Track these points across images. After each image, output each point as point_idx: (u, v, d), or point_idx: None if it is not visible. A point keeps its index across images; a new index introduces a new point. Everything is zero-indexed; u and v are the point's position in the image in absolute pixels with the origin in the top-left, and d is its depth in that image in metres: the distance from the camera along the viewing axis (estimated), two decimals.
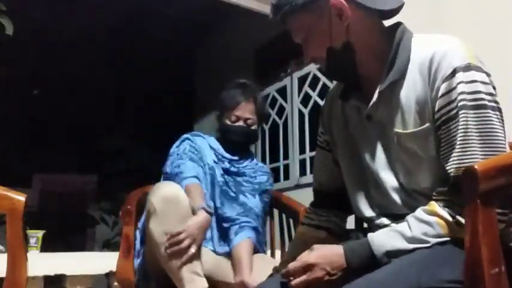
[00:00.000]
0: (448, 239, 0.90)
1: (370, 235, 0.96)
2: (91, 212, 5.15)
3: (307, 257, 0.97)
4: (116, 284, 2.07)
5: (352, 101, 1.10)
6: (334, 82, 1.29)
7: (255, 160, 2.01)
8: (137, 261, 1.75)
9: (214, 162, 1.88)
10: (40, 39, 4.54)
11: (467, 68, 0.92)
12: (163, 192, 1.57)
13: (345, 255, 0.95)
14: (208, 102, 4.84)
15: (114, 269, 1.79)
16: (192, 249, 1.52)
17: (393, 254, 0.91)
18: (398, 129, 1.00)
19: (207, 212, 1.61)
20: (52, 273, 2.29)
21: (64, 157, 5.17)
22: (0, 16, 2.65)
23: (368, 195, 1.09)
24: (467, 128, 0.90)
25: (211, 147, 1.92)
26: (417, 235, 0.91)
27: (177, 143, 1.91)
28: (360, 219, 1.18)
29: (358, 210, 1.12)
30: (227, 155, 1.92)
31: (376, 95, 1.03)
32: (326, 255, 0.96)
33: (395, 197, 1.03)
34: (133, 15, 4.36)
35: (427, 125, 0.96)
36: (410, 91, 0.98)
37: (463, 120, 0.91)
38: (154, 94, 5.60)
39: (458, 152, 0.91)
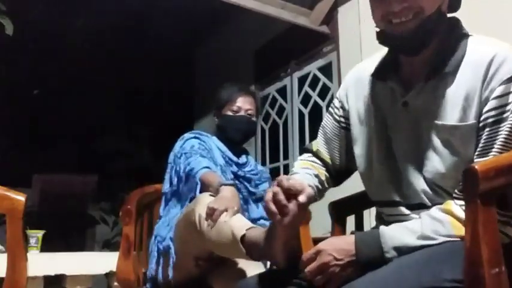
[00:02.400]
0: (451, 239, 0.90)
1: (382, 228, 0.97)
2: (91, 212, 5.14)
3: (319, 244, 0.99)
4: (116, 284, 2.07)
5: (389, 84, 1.07)
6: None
7: (252, 160, 2.02)
8: (152, 269, 1.72)
9: (223, 165, 1.87)
10: (40, 39, 4.53)
11: None
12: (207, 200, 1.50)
13: (355, 243, 0.95)
14: (209, 102, 4.84)
15: (114, 269, 1.79)
16: (233, 209, 1.42)
17: (401, 249, 0.92)
18: (438, 121, 0.99)
19: (227, 185, 1.57)
20: (52, 273, 2.29)
21: (64, 157, 5.17)
22: (0, 16, 2.65)
23: (390, 180, 1.08)
24: (511, 135, 0.91)
25: (218, 149, 1.92)
26: (427, 233, 0.91)
27: (181, 142, 1.88)
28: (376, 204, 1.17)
29: (377, 194, 1.12)
30: (234, 158, 1.92)
31: (420, 84, 1.02)
32: (335, 242, 0.98)
33: (418, 187, 1.02)
34: (133, 15, 4.35)
35: (472, 122, 0.96)
36: (460, 87, 0.98)
37: (510, 126, 0.91)
38: (154, 94, 5.60)
39: (497, 152, 0.91)
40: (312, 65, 3.40)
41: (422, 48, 1.01)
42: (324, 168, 1.23)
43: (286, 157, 3.60)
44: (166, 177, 1.88)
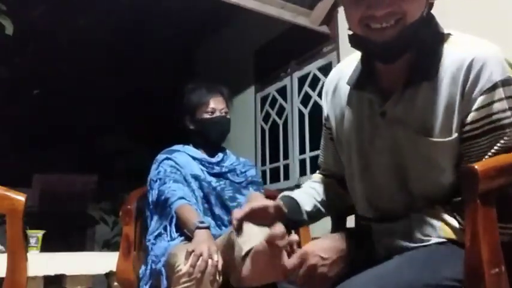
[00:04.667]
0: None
1: (373, 226, 0.96)
2: (91, 212, 5.14)
3: (302, 248, 0.94)
4: (116, 284, 2.07)
5: (366, 94, 1.01)
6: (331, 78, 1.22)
7: (231, 154, 2.03)
8: (143, 268, 1.74)
9: (202, 171, 1.88)
10: (40, 39, 4.53)
11: (507, 81, 0.88)
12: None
13: (346, 239, 0.94)
14: None
15: (114, 269, 1.79)
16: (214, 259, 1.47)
17: (392, 249, 0.91)
18: (419, 134, 0.93)
19: (201, 228, 1.59)
20: (52, 273, 2.29)
21: (64, 157, 5.17)
22: (0, 16, 2.65)
23: (369, 193, 1.05)
24: (501, 145, 0.88)
25: (194, 158, 1.90)
26: (418, 235, 0.90)
27: (155, 166, 1.89)
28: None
29: (360, 209, 1.10)
30: (213, 160, 1.92)
31: (397, 93, 0.95)
32: (319, 243, 0.94)
33: (398, 199, 0.99)
34: (133, 15, 4.35)
35: (455, 136, 0.91)
36: (439, 95, 0.91)
37: (498, 137, 0.88)
38: (154, 94, 5.59)
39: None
40: (312, 65, 3.40)
41: (400, 56, 0.94)
42: (331, 179, 1.22)
43: (286, 157, 3.59)
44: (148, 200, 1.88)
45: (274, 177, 3.71)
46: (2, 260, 0.97)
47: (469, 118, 0.89)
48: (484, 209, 0.78)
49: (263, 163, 3.82)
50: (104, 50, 4.93)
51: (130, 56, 5.05)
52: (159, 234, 1.77)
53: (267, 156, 3.81)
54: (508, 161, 0.85)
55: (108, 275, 2.53)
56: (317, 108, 3.32)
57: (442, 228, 0.90)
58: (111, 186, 4.92)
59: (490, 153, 0.88)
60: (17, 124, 5.10)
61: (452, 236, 0.89)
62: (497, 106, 0.88)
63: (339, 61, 3.09)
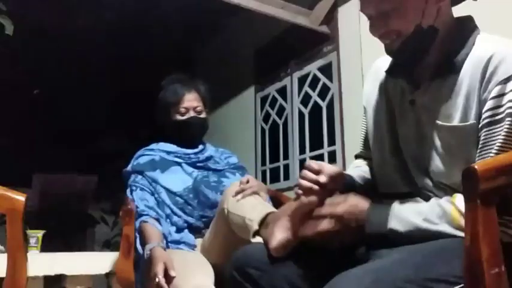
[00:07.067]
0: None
1: (396, 203, 1.00)
2: (91, 212, 5.14)
3: (351, 197, 1.04)
4: (116, 284, 2.07)
5: (400, 80, 1.10)
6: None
7: (211, 147, 2.00)
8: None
9: (178, 163, 1.88)
10: (40, 39, 4.53)
11: None
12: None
13: (366, 215, 0.99)
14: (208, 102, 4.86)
15: (114, 269, 1.79)
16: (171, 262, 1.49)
17: (408, 229, 0.95)
18: (440, 122, 1.01)
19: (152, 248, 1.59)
20: (52, 273, 2.29)
21: (64, 157, 5.17)
22: (0, 16, 2.65)
23: (400, 172, 1.10)
24: (509, 136, 0.91)
25: (168, 152, 1.90)
26: (432, 218, 0.94)
27: (132, 161, 1.96)
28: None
29: (388, 186, 1.14)
30: (189, 151, 1.90)
31: (426, 83, 1.04)
32: (350, 197, 1.03)
33: (424, 184, 1.04)
34: (133, 15, 4.35)
35: (471, 122, 0.97)
36: (462, 86, 0.99)
37: (508, 128, 0.91)
38: (154, 94, 5.59)
39: (494, 156, 0.92)
40: (312, 65, 3.40)
41: (413, 61, 1.06)
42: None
43: (286, 157, 3.59)
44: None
45: (274, 177, 3.71)
46: (2, 260, 0.97)
47: (486, 107, 0.95)
48: (484, 209, 0.78)
49: (263, 163, 3.82)
50: (104, 50, 4.93)
51: (130, 56, 5.05)
52: None
53: (267, 156, 3.80)
54: (508, 161, 0.85)
55: (108, 275, 2.53)
56: (317, 108, 3.32)
57: (452, 214, 0.92)
58: (111, 186, 4.92)
59: (500, 143, 0.92)
60: (17, 124, 5.10)
61: (457, 222, 0.91)
62: (509, 97, 0.92)
63: (339, 61, 3.09)
